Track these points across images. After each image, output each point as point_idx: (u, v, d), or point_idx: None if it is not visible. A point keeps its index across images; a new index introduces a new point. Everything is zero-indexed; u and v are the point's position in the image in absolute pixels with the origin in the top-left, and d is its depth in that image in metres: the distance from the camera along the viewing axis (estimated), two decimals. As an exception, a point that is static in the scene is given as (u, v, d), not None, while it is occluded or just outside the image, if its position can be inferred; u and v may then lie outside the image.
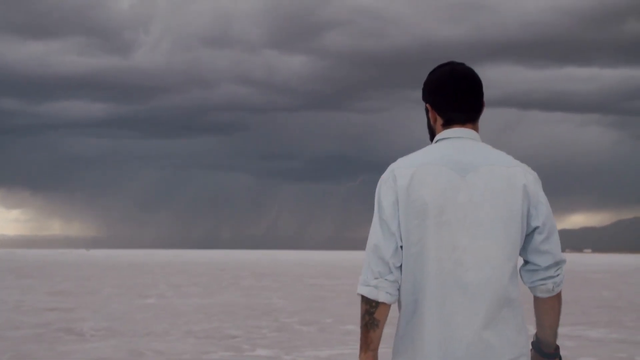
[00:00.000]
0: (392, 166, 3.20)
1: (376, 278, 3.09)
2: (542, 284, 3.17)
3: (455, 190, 3.09)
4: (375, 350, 3.13)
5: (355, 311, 20.27)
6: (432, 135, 3.33)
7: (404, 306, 3.12)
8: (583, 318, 18.82)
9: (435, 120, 3.28)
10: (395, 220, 3.11)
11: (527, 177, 3.14)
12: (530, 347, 3.27)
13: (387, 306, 3.11)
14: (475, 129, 3.27)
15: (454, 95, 3.22)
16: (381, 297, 3.08)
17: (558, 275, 3.17)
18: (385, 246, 3.10)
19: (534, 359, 3.34)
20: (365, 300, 3.11)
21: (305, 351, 12.94)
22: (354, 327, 16.59)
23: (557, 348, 3.33)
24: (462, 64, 3.30)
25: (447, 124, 3.24)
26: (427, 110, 3.32)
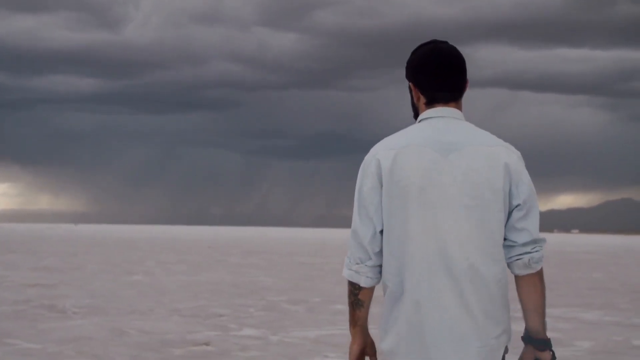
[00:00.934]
0: (375, 149, 3.20)
1: (357, 263, 3.20)
2: (518, 259, 3.16)
3: (438, 170, 3.11)
4: (363, 325, 3.27)
5: (344, 291, 19.91)
6: (416, 113, 3.33)
7: (390, 286, 3.16)
8: (576, 300, 18.52)
9: (418, 99, 3.28)
10: (373, 205, 3.15)
11: (509, 156, 3.15)
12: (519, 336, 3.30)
13: (370, 288, 3.22)
14: (459, 107, 3.27)
15: (437, 74, 3.21)
16: (362, 281, 3.20)
17: (536, 251, 3.16)
18: (363, 232, 3.17)
19: (524, 354, 3.29)
20: (349, 282, 3.24)
21: (293, 331, 12.59)
22: (343, 307, 16.25)
23: (548, 339, 3.26)
24: (445, 42, 3.29)
25: (430, 103, 3.25)
26: (410, 89, 3.32)
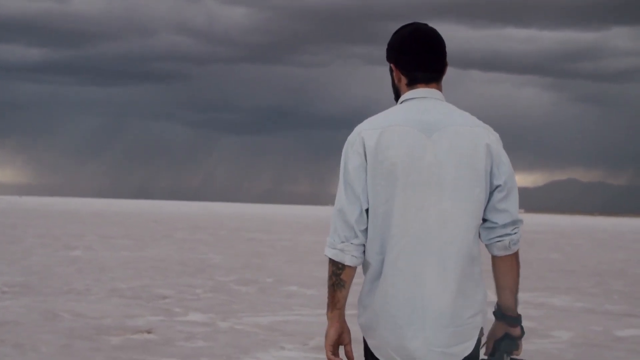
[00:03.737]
0: (359, 128, 3.23)
1: (342, 242, 3.19)
2: (498, 241, 3.21)
3: (421, 150, 3.15)
4: (342, 309, 3.26)
5: (297, 270, 18.93)
6: (397, 94, 3.36)
7: (372, 264, 3.20)
8: (540, 283, 17.61)
9: (399, 80, 3.32)
10: (360, 184, 3.16)
11: (490, 137, 3.21)
12: (492, 315, 3.33)
13: (352, 268, 3.22)
14: (439, 88, 3.30)
15: (418, 55, 3.25)
16: (347, 260, 3.19)
17: (515, 233, 3.22)
18: (349, 210, 3.17)
19: (496, 329, 3.34)
20: (332, 262, 3.22)
21: (244, 316, 11.47)
22: (297, 289, 15.17)
23: (519, 315, 3.34)
24: (425, 25, 3.32)
25: (411, 84, 3.29)
26: (391, 70, 3.35)
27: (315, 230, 46.36)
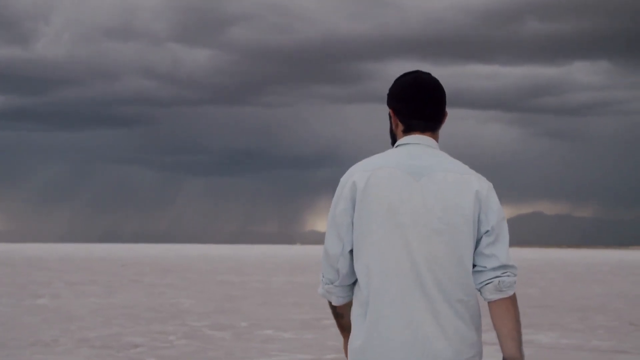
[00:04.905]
0: (352, 170, 3.28)
1: (327, 284, 3.29)
2: (488, 283, 3.17)
3: (409, 193, 3.17)
4: (349, 330, 3.35)
5: (272, 313, 18.43)
6: (394, 140, 3.41)
7: (356, 302, 3.20)
8: (523, 319, 17.03)
9: (397, 126, 3.35)
10: (344, 227, 3.20)
11: (480, 185, 3.22)
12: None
13: (344, 304, 3.33)
14: (435, 137, 3.34)
15: (416, 104, 3.29)
16: (333, 300, 3.32)
17: (507, 276, 3.16)
18: (333, 252, 3.23)
19: None
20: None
21: (221, 365, 10.92)
22: (273, 333, 14.63)
23: None
24: (427, 74, 3.37)
25: (407, 131, 3.32)
26: (390, 116, 3.39)
27: (287, 270, 45.75)
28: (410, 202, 3.18)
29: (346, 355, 3.33)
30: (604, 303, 22.56)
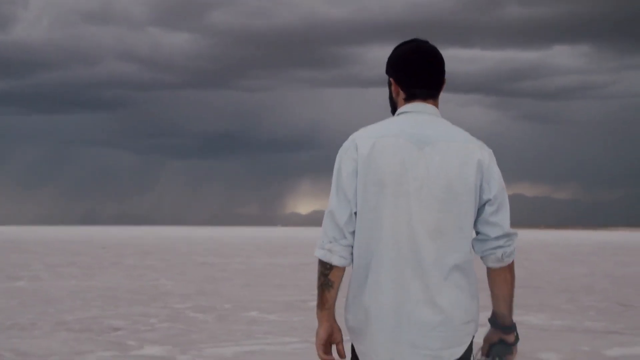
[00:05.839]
0: (354, 135, 3.31)
1: (330, 242, 3.27)
2: (491, 253, 3.28)
3: (412, 162, 3.21)
4: (331, 309, 3.35)
5: (255, 295, 18.02)
6: (394, 108, 3.44)
7: (356, 268, 3.29)
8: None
9: (397, 94, 3.39)
10: (352, 188, 3.24)
11: (482, 153, 3.27)
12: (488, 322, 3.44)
13: (340, 269, 3.30)
14: (436, 104, 3.38)
15: (417, 72, 3.32)
16: (334, 260, 3.28)
17: (508, 245, 3.27)
18: (339, 212, 3.24)
19: (491, 335, 3.43)
20: (320, 262, 3.32)
21: (205, 348, 10.54)
22: (257, 314, 14.26)
23: (513, 323, 3.41)
24: (426, 42, 3.40)
25: (409, 99, 3.35)
26: (389, 84, 3.42)
27: (268, 251, 45.38)
28: (414, 170, 3.21)
29: (318, 341, 3.34)
30: (590, 283, 22.32)
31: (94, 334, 11.74)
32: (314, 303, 16.17)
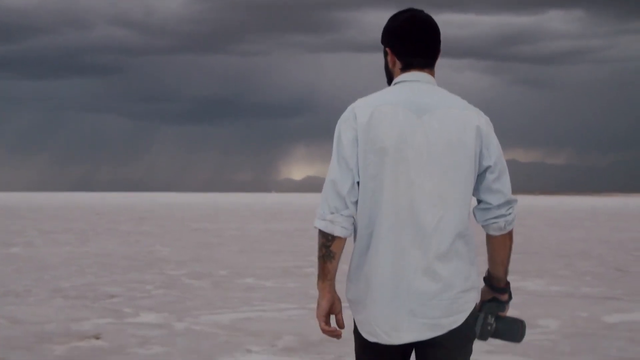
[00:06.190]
0: (352, 105, 3.32)
1: (332, 213, 3.24)
2: (494, 222, 3.29)
3: (412, 129, 3.23)
4: (332, 280, 3.32)
5: (251, 261, 17.96)
6: (390, 78, 3.44)
7: (359, 238, 3.28)
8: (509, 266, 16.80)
9: (394, 64, 3.40)
10: (354, 157, 3.24)
11: (480, 120, 3.29)
12: (482, 282, 3.41)
13: (342, 239, 3.27)
14: (432, 74, 3.40)
15: (414, 41, 3.34)
16: (336, 231, 3.24)
17: (510, 214, 3.29)
18: (342, 182, 3.24)
19: (485, 293, 3.44)
20: (321, 233, 3.28)
21: (201, 315, 10.46)
22: (254, 281, 14.19)
23: (508, 284, 3.46)
24: (421, 11, 3.41)
25: (405, 68, 3.37)
26: (385, 54, 3.43)
27: (263, 218, 45.36)
28: (413, 139, 3.22)
29: (319, 312, 3.34)
30: (586, 249, 22.29)
31: (89, 301, 11.66)
32: (310, 269, 16.15)
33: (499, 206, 3.28)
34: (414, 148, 3.22)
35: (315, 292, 13.35)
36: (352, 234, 3.31)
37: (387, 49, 3.41)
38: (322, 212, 3.28)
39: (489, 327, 3.44)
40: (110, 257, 18.85)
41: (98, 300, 11.75)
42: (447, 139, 3.23)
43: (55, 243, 23.46)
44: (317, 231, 3.30)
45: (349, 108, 3.32)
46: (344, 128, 3.28)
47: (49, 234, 28.23)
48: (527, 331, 8.88)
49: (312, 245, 22.65)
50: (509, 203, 3.29)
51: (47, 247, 21.97)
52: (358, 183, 3.25)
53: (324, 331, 3.33)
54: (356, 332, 3.36)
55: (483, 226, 3.34)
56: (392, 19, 3.42)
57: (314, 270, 15.96)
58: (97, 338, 8.86)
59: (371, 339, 3.29)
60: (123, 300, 11.77)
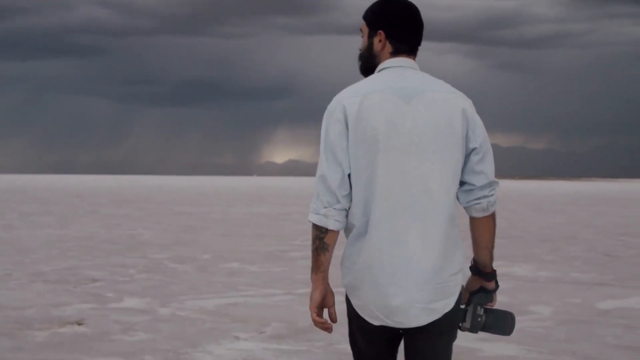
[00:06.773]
0: (339, 96, 3.32)
1: (325, 207, 3.28)
2: (477, 203, 3.33)
3: (401, 116, 3.25)
4: (325, 272, 3.36)
5: (235, 245, 17.73)
6: (370, 62, 3.43)
7: (356, 227, 3.29)
8: (494, 252, 16.63)
9: (382, 48, 3.40)
10: (342, 150, 3.26)
11: (465, 103, 3.33)
12: (469, 271, 3.48)
13: (335, 232, 3.32)
14: (414, 59, 3.43)
15: (408, 28, 3.39)
16: (330, 224, 3.29)
17: (492, 195, 3.34)
18: (331, 176, 3.27)
19: (472, 282, 3.48)
20: (315, 226, 3.32)
21: (186, 300, 10.23)
22: (238, 265, 13.97)
23: (494, 271, 3.49)
24: None
25: (395, 53, 3.40)
26: (371, 36, 3.41)
27: (246, 201, 45.09)
28: (403, 124, 3.25)
29: (312, 304, 3.37)
30: (572, 234, 22.18)
31: (71, 285, 11.41)
32: (295, 254, 15.93)
33: (482, 187, 3.32)
34: (405, 134, 3.25)
35: (301, 277, 13.19)
36: (345, 225, 3.34)
37: (380, 32, 3.41)
38: (315, 206, 3.31)
39: (479, 319, 3.48)
40: (91, 240, 18.56)
41: (80, 284, 11.50)
42: (435, 123, 3.26)
43: (36, 226, 23.14)
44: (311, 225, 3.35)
45: (335, 99, 3.34)
46: (331, 121, 3.29)
47: (29, 216, 27.87)
48: (520, 318, 8.71)
49: (296, 229, 22.44)
50: (491, 185, 3.33)
51: (27, 229, 21.65)
52: (349, 175, 3.28)
53: (315, 323, 3.39)
54: (356, 316, 3.38)
55: (466, 208, 3.39)
56: (384, 4, 3.43)
57: (298, 254, 15.76)
58: (80, 324, 8.62)
59: (376, 322, 3.33)
60: (105, 284, 11.52)
